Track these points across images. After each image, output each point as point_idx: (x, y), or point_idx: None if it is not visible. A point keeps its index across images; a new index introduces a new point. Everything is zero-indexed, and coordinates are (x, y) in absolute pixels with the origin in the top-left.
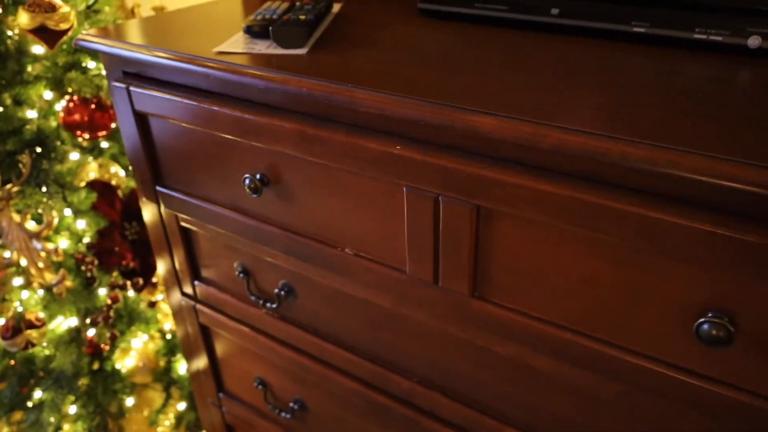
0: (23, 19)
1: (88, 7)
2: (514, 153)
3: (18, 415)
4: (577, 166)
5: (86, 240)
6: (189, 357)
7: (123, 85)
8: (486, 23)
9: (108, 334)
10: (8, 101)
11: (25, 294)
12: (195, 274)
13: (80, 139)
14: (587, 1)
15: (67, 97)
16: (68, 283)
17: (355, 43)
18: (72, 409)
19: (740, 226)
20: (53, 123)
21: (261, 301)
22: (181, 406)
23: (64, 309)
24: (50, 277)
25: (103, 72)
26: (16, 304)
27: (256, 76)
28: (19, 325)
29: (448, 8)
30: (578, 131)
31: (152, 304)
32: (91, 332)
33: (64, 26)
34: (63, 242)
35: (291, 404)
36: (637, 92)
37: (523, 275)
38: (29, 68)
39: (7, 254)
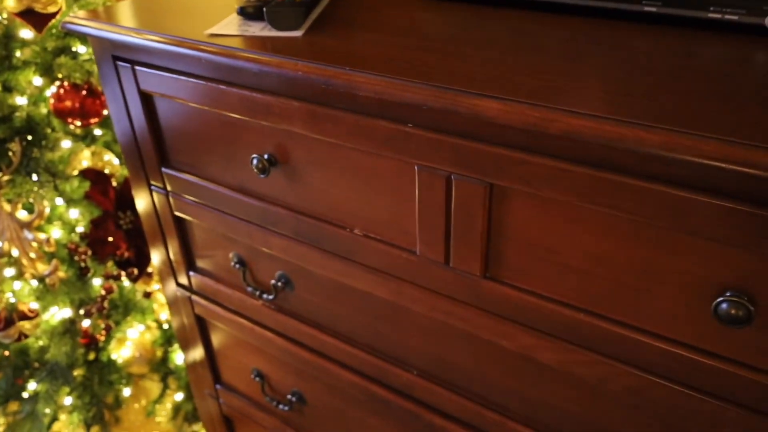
0: (10, 2)
1: None
2: (522, 138)
3: (13, 406)
4: (591, 152)
5: (79, 229)
6: (185, 348)
7: (128, 65)
8: (490, 4)
9: (103, 325)
10: None
11: (17, 285)
12: (190, 265)
13: (72, 127)
14: None
15: (57, 83)
16: (61, 273)
17: (354, 25)
18: (68, 400)
19: (762, 204)
20: (43, 110)
21: (257, 293)
22: (179, 396)
23: (57, 300)
24: (42, 268)
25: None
26: (9, 295)
27: (250, 60)
28: (12, 316)
29: None
30: (589, 115)
31: (147, 295)
32: (85, 323)
33: (52, 9)
34: (56, 232)
35: (289, 396)
36: (650, 74)
37: (537, 255)
38: (18, 53)
39: None
